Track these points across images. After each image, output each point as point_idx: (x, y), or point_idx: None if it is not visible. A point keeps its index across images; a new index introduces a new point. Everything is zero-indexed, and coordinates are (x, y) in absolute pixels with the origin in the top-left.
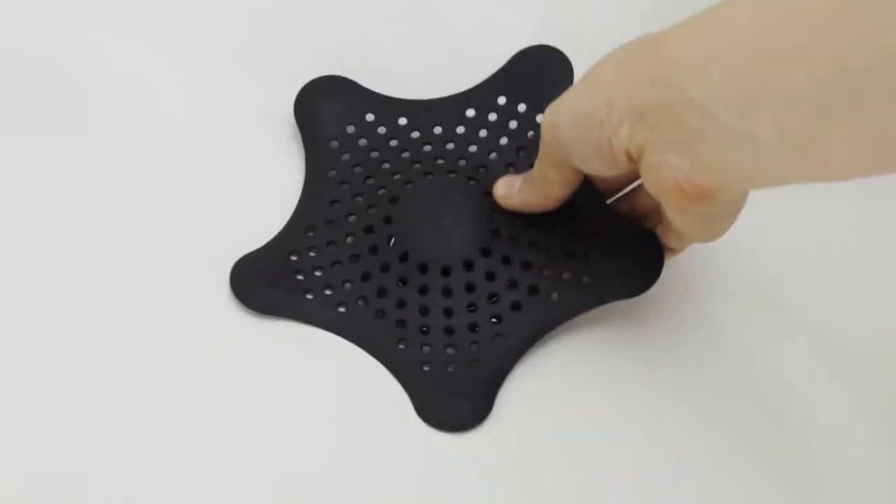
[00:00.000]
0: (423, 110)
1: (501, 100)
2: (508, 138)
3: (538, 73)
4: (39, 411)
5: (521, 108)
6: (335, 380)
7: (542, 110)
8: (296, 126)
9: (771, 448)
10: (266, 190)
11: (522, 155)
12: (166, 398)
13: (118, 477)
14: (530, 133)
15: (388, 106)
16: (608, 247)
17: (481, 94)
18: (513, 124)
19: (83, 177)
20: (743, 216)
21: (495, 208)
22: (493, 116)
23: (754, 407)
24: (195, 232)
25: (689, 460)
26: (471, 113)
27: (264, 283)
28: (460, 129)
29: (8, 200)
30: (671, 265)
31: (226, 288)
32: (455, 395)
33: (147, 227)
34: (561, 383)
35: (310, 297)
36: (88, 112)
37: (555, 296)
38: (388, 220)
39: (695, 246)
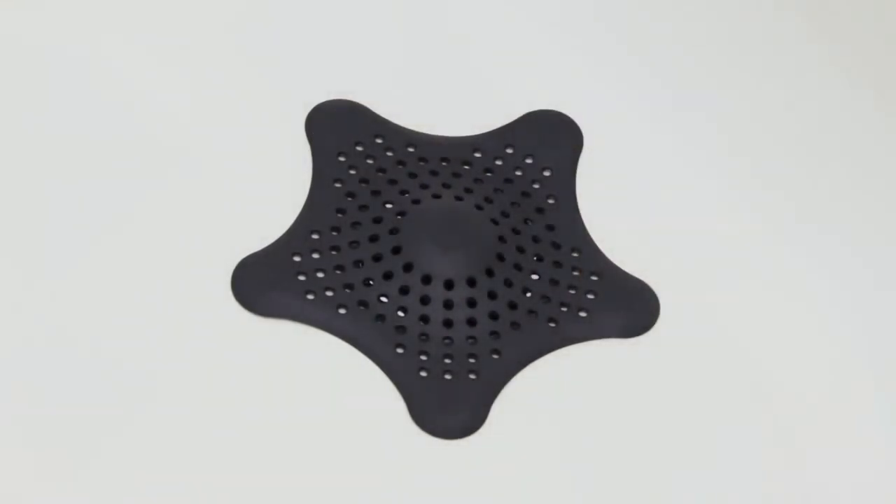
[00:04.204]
0: (431, 144)
1: (509, 150)
2: (513, 183)
3: (548, 133)
4: (36, 413)
5: (528, 161)
6: (331, 381)
7: (549, 167)
8: (306, 140)
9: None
10: (271, 196)
11: (527, 201)
12: (164, 397)
13: (116, 478)
14: (535, 185)
15: (398, 134)
16: (606, 289)
17: (489, 142)
18: (518, 173)
19: (91, 175)
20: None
21: (501, 236)
22: (499, 163)
23: (750, 436)
24: (200, 232)
25: (679, 481)
26: (477, 156)
27: (266, 282)
28: (466, 168)
29: (14, 200)
30: (675, 300)
31: (227, 288)
32: (450, 402)
33: (152, 225)
34: (555, 398)
35: (310, 297)
36: (100, 114)
37: (552, 323)
38: (394, 231)
39: (699, 285)
